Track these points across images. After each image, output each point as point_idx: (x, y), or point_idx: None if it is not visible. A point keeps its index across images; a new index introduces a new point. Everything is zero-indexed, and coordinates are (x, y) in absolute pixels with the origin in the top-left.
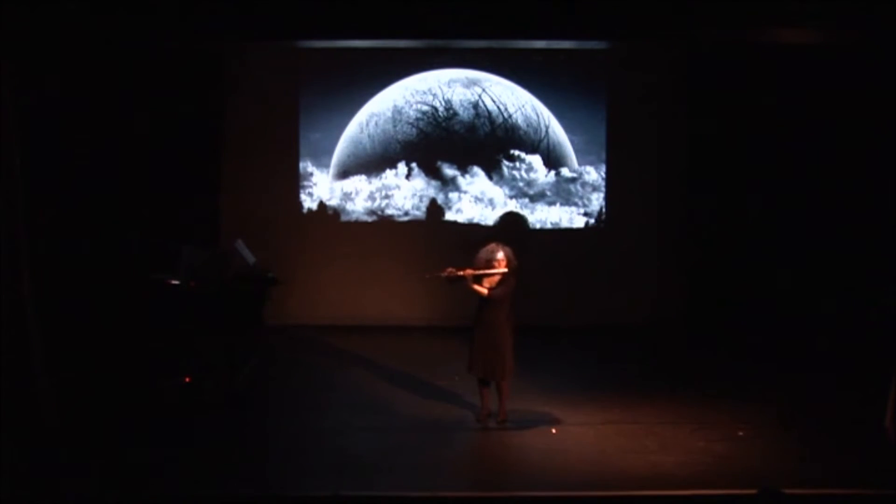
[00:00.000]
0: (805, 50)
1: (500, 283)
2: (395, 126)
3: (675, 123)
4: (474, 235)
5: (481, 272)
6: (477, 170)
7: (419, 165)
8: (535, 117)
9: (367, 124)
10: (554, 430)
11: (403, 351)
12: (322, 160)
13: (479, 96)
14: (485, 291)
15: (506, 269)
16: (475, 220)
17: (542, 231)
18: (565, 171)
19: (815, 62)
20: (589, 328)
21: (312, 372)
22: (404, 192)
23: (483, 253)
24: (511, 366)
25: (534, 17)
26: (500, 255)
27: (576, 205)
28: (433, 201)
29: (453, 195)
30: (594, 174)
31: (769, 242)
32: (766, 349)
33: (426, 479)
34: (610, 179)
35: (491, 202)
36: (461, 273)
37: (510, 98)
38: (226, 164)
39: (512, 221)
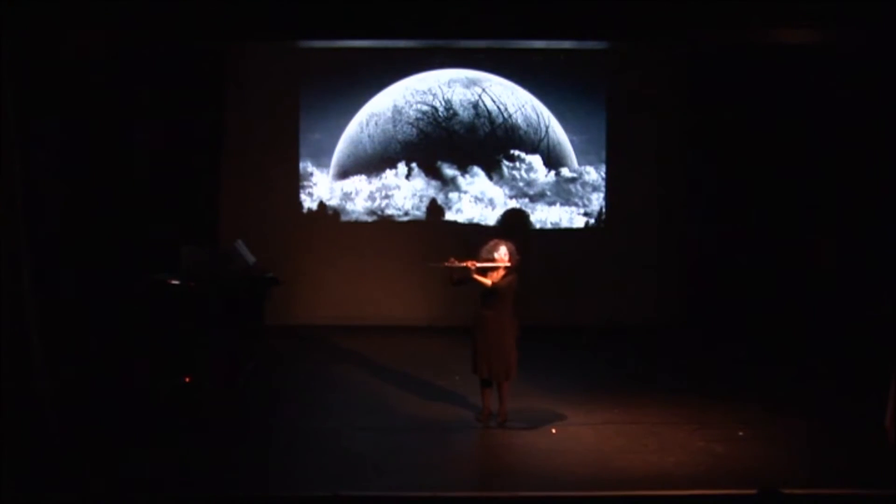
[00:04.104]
0: (805, 50)
1: (503, 276)
2: (395, 126)
3: (675, 123)
4: (475, 236)
5: (484, 264)
6: (477, 170)
7: (419, 165)
8: (535, 117)
9: (367, 124)
10: (554, 430)
11: (403, 351)
12: (322, 160)
13: (479, 96)
14: (489, 282)
15: (509, 263)
16: (475, 220)
17: (542, 231)
18: (565, 171)
19: (815, 62)
20: (589, 328)
21: (312, 372)
22: (404, 192)
23: (485, 250)
24: (515, 367)
25: (534, 17)
26: (503, 249)
27: (576, 205)
28: (433, 201)
29: (453, 195)
30: (594, 174)
31: (769, 242)
32: (766, 349)
33: (426, 479)
34: (610, 179)
35: (491, 202)
36: (465, 264)
37: (510, 98)
38: (226, 164)
39: (514, 220)
